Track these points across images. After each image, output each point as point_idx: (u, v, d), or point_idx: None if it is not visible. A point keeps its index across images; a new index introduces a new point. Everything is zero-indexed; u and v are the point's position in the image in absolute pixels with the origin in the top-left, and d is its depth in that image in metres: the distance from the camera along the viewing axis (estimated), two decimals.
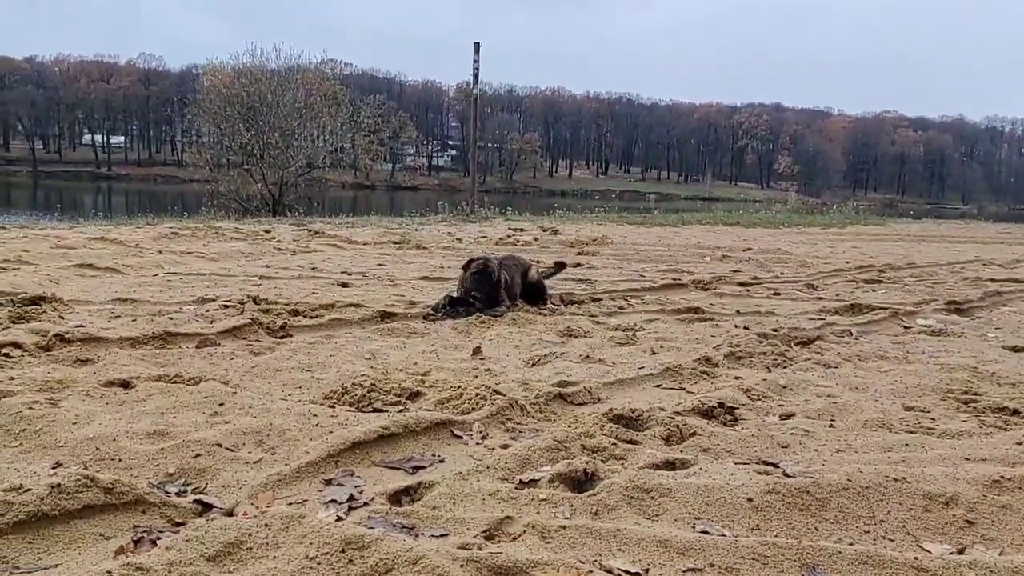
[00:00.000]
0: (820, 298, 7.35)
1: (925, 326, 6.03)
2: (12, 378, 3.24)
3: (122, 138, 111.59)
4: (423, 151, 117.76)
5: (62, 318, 4.53)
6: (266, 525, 1.91)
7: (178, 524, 2.11)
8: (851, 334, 5.56)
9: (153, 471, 2.48)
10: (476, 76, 14.70)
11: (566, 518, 2.24)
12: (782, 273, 9.18)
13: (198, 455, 2.57)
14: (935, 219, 29.51)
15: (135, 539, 1.95)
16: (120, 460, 2.53)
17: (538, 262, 7.07)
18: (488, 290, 5.53)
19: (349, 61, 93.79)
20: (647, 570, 1.98)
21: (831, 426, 3.30)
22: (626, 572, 1.92)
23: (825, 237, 15.65)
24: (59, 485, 2.04)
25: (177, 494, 2.32)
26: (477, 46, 14.58)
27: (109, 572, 1.65)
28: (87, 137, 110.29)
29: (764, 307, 6.64)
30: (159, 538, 1.95)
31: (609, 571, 1.92)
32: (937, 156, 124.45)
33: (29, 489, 2.02)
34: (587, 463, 2.52)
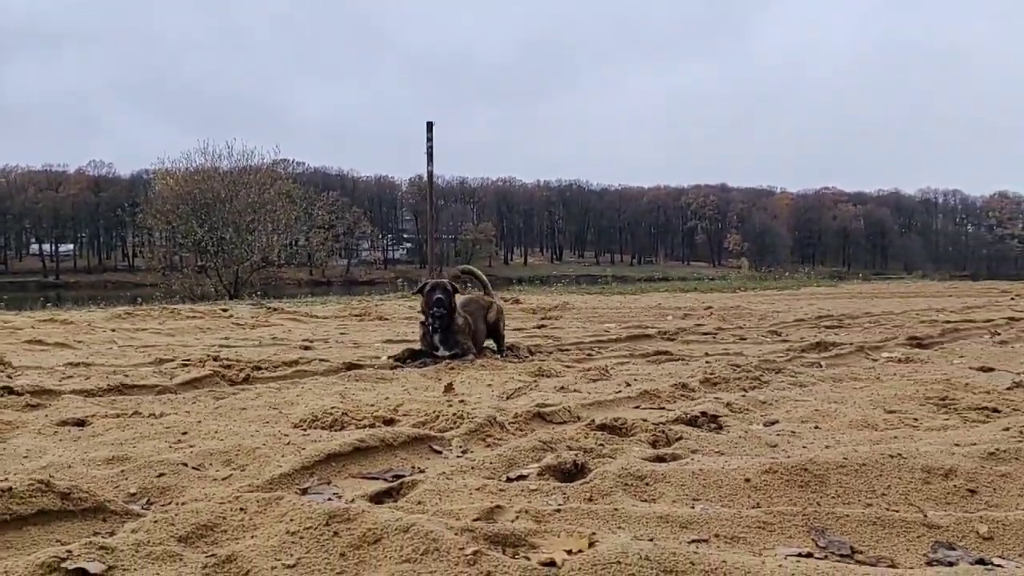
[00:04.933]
0: (785, 340, 7.37)
1: (891, 357, 6.06)
2: None
3: (71, 246, 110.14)
4: (378, 245, 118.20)
5: (9, 378, 4.31)
6: (241, 509, 1.76)
7: None
8: (820, 365, 5.56)
9: (113, 492, 2.30)
10: (430, 154, 14.93)
11: (559, 504, 2.12)
12: (744, 325, 9.23)
13: (162, 474, 2.40)
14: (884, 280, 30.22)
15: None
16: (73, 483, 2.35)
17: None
18: (448, 302, 5.53)
19: (301, 160, 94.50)
20: (652, 539, 1.87)
21: (816, 428, 3.24)
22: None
23: (781, 297, 15.87)
24: (10, 489, 1.87)
25: (142, 508, 2.15)
26: (430, 125, 14.88)
27: (70, 551, 1.49)
28: (35, 246, 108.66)
29: (732, 350, 6.63)
30: None
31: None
32: (877, 229, 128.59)
33: None
34: (576, 455, 2.42)
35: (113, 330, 7.90)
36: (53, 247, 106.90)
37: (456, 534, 1.64)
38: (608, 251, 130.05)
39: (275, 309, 10.85)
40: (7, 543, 1.80)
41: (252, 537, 1.65)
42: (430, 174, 15.57)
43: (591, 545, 1.65)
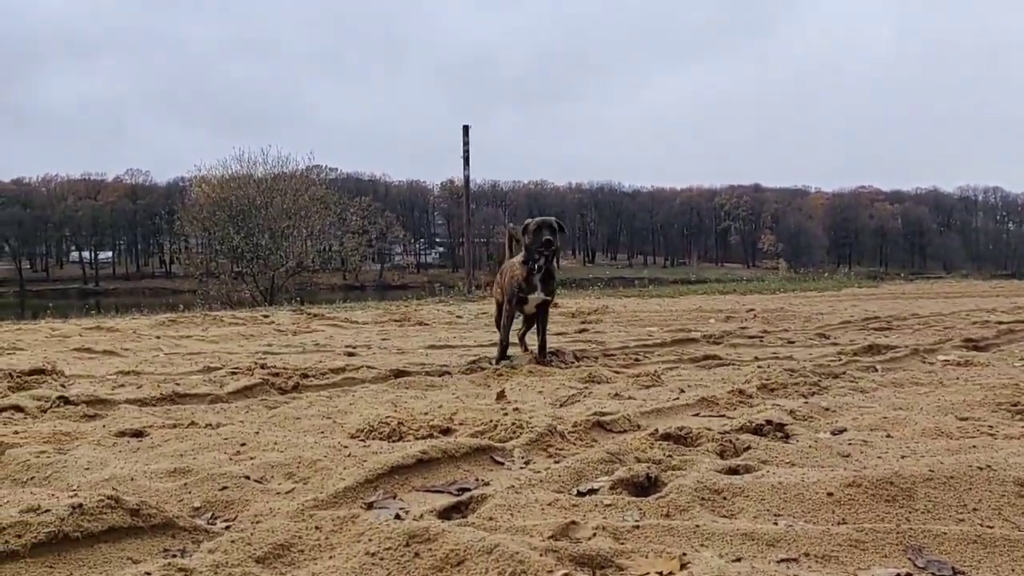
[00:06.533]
0: (835, 344, 7.21)
1: (947, 360, 5.88)
2: (16, 432, 3.04)
3: (110, 253, 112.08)
4: (411, 249, 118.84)
5: (63, 387, 4.33)
6: (316, 527, 1.71)
7: None
8: (876, 369, 5.41)
9: (177, 506, 2.27)
10: (467, 158, 14.91)
11: (636, 520, 2.04)
12: (790, 328, 9.06)
13: (225, 487, 2.36)
14: (926, 280, 29.68)
15: (171, 557, 1.74)
16: (141, 498, 2.32)
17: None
18: (553, 241, 5.56)
19: (334, 166, 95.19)
20: (738, 560, 1.78)
21: (889, 437, 3.12)
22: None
23: (823, 299, 15.60)
24: (81, 506, 1.84)
25: (207, 524, 2.11)
26: (467, 129, 14.86)
27: (149, 573, 1.44)
28: (74, 254, 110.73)
29: (781, 353, 6.49)
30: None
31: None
32: (915, 228, 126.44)
33: (48, 510, 1.82)
34: (649, 468, 2.34)
35: (158, 337, 7.96)
36: (92, 254, 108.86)
37: (541, 555, 1.57)
38: (641, 253, 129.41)
39: (315, 315, 10.89)
40: (80, 560, 1.76)
41: (330, 558, 1.59)
42: (466, 178, 15.55)
43: (683, 567, 1.57)
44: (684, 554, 1.63)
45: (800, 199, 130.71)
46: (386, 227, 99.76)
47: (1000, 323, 8.97)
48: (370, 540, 1.61)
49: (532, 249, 5.57)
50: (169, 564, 1.47)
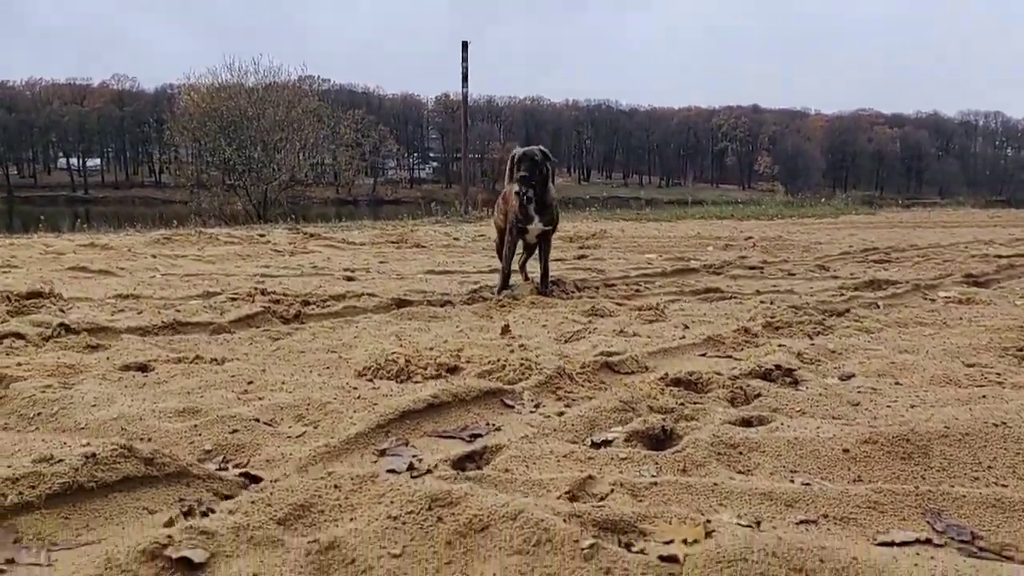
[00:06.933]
0: (835, 277, 7.20)
1: (948, 297, 5.88)
2: (20, 364, 3.00)
3: (98, 160, 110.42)
4: (404, 164, 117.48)
5: (62, 312, 4.28)
6: (336, 486, 1.68)
7: (227, 498, 1.89)
8: (878, 306, 5.40)
9: (188, 449, 2.25)
10: (465, 76, 14.55)
11: (653, 476, 2.03)
12: (789, 258, 9.03)
13: (235, 430, 2.34)
14: (923, 206, 29.62)
15: (185, 510, 1.73)
16: (151, 439, 2.30)
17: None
18: (537, 174, 5.53)
19: (327, 77, 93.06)
20: (758, 523, 1.78)
21: (897, 384, 3.12)
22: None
23: (821, 226, 15.56)
24: (94, 455, 1.81)
25: (219, 469, 2.09)
26: (465, 45, 14.45)
27: (171, 536, 1.42)
28: (62, 160, 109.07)
29: (782, 286, 6.47)
30: (212, 510, 1.73)
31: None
32: (914, 152, 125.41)
33: (61, 460, 1.79)
34: (664, 420, 2.32)
35: (154, 256, 7.87)
36: (80, 161, 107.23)
37: (565, 521, 1.56)
38: (636, 172, 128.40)
39: (311, 235, 10.79)
40: (95, 511, 1.74)
41: (351, 520, 1.57)
42: (464, 96, 15.20)
43: (708, 535, 1.56)
44: (709, 521, 1.61)
45: (799, 121, 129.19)
46: (379, 141, 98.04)
47: (999, 256, 8.97)
48: (391, 503, 1.59)
49: (517, 177, 5.49)
50: (191, 527, 1.44)
